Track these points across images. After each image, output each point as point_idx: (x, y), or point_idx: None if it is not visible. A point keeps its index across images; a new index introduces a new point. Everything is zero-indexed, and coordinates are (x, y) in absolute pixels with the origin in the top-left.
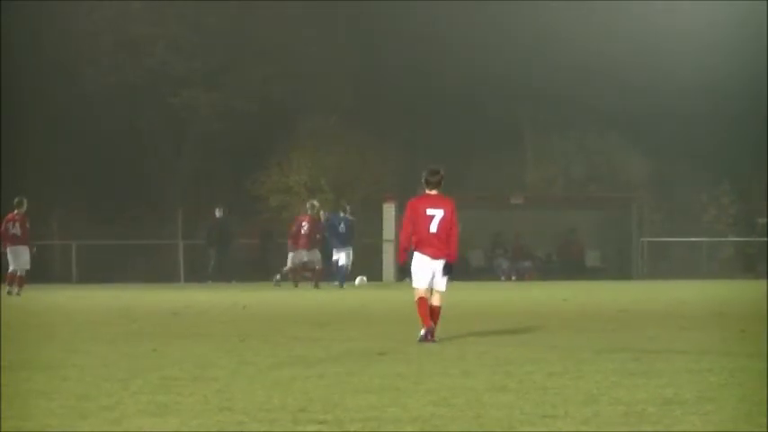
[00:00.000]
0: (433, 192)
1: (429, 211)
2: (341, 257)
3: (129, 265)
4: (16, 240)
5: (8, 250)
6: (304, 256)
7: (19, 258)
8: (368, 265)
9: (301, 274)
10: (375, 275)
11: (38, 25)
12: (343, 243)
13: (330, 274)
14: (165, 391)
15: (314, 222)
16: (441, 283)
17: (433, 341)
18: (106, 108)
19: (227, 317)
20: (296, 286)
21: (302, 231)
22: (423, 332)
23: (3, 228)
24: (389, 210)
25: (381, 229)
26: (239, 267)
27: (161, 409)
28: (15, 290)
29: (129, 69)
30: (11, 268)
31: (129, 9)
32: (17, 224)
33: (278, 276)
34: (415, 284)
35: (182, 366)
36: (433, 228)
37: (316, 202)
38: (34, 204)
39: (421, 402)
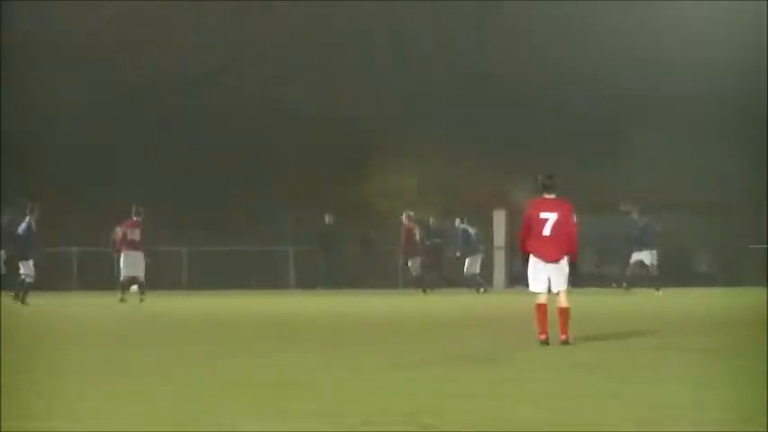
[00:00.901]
0: (550, 196)
1: (543, 215)
2: (468, 264)
3: (239, 271)
4: (134, 246)
5: (123, 255)
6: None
7: (136, 265)
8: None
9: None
10: (486, 282)
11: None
12: (464, 251)
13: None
14: (275, 398)
15: (410, 231)
16: (561, 283)
17: (567, 342)
18: (220, 116)
19: (337, 323)
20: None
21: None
22: (542, 337)
23: (120, 233)
24: (500, 217)
25: (492, 237)
26: (349, 273)
27: (272, 415)
28: (141, 296)
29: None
30: (125, 274)
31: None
32: (137, 230)
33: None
34: (531, 288)
35: (291, 373)
36: (547, 231)
37: (411, 212)
38: (146, 210)
39: (528, 408)
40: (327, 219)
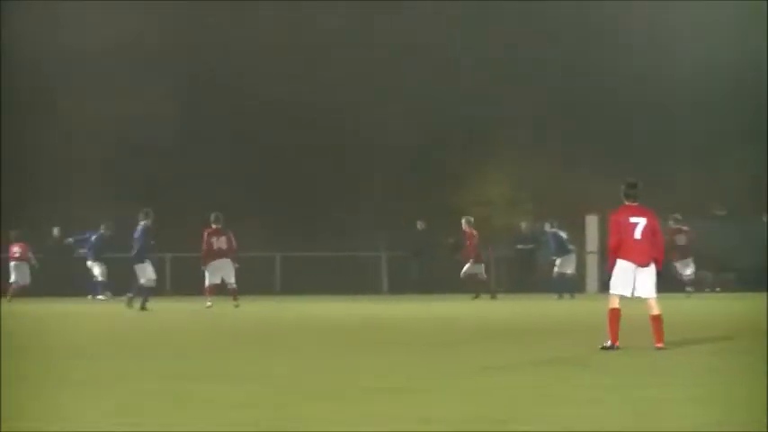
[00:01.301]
0: (634, 203)
1: (633, 219)
2: (559, 265)
3: (332, 276)
4: (222, 254)
5: (210, 265)
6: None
7: (224, 272)
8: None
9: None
10: (578, 287)
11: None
12: (557, 254)
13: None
14: (366, 402)
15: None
16: (650, 290)
17: (663, 348)
18: (310, 121)
19: (429, 328)
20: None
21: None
22: (607, 344)
23: (206, 243)
24: (592, 221)
25: (584, 241)
26: (440, 279)
27: (362, 419)
28: (235, 302)
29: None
30: (210, 282)
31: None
32: (222, 238)
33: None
34: (612, 290)
35: (383, 377)
36: (638, 235)
37: (471, 218)
38: (238, 216)
39: (622, 414)
40: (419, 225)
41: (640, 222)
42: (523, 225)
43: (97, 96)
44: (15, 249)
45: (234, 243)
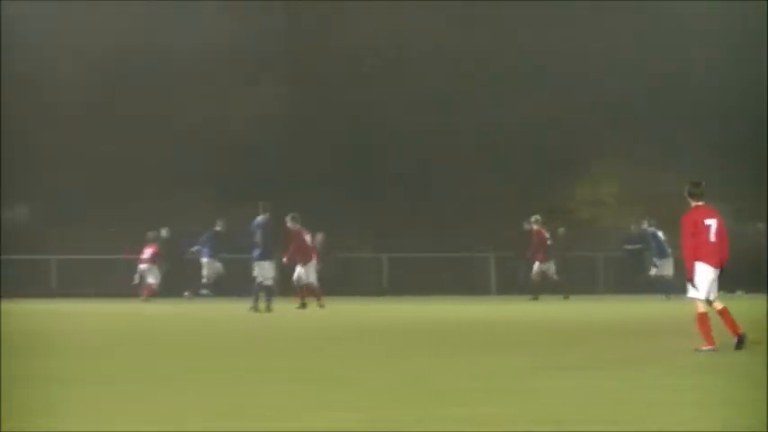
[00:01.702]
0: (701, 203)
1: (706, 221)
2: (659, 268)
3: (440, 277)
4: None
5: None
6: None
7: (307, 273)
8: (678, 275)
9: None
10: (679, 288)
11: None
12: (658, 255)
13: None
14: (480, 403)
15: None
16: (716, 289)
17: (744, 336)
18: (415, 121)
19: (538, 328)
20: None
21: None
22: (705, 348)
23: (293, 243)
24: None
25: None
26: (550, 279)
27: (476, 420)
28: (320, 302)
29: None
30: (298, 282)
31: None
32: (306, 237)
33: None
34: (699, 295)
35: (496, 378)
36: (712, 237)
37: (539, 216)
38: (345, 218)
39: (683, 416)
40: (525, 225)
41: (713, 224)
42: (633, 226)
43: (199, 97)
44: (148, 251)
45: (315, 243)
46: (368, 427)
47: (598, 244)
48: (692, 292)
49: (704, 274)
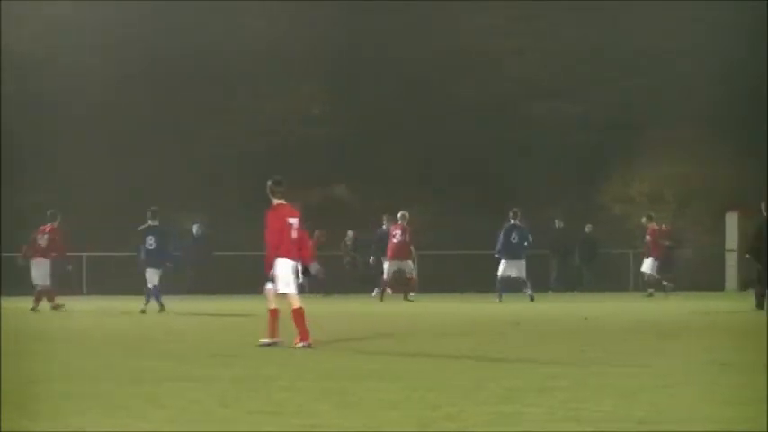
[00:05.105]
0: (283, 201)
1: (290, 220)
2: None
3: (468, 274)
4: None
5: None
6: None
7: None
8: (708, 274)
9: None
10: (717, 285)
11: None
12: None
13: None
14: (509, 402)
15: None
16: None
17: None
18: (465, 120)
19: (570, 327)
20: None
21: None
22: (267, 341)
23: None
24: (732, 219)
25: (724, 239)
26: (579, 277)
27: (505, 419)
28: (412, 294)
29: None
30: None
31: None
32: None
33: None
34: (291, 290)
35: (525, 377)
36: (294, 234)
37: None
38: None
39: (695, 413)
40: (557, 223)
41: (294, 222)
42: (662, 225)
43: (248, 94)
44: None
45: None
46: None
47: (629, 241)
48: (282, 288)
49: (286, 270)
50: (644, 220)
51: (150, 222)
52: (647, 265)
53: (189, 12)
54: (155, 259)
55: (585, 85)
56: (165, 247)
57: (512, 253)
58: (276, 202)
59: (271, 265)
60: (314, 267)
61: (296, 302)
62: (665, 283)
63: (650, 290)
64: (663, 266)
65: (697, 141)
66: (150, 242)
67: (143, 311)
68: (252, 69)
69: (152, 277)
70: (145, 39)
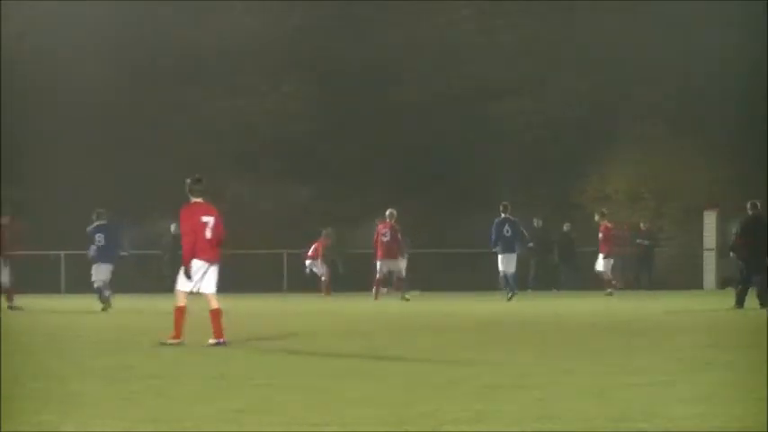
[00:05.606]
0: (200, 199)
1: (204, 218)
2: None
3: (456, 273)
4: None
5: (379, 261)
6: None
7: (396, 266)
8: (686, 273)
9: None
10: (696, 284)
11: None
12: None
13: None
14: (484, 400)
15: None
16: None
17: None
18: (425, 118)
19: (547, 326)
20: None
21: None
22: (172, 341)
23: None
24: (711, 218)
25: (702, 238)
26: (557, 276)
27: (481, 417)
28: (415, 292)
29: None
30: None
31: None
32: (387, 232)
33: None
34: (186, 288)
35: (501, 375)
36: (209, 234)
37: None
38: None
39: (747, 412)
40: (536, 222)
41: (210, 221)
42: (641, 224)
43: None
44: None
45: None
46: (380, 426)
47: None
48: (180, 285)
49: (197, 270)
50: (597, 217)
51: (98, 222)
52: (601, 264)
53: (167, 11)
54: (106, 254)
55: (561, 81)
56: (116, 242)
57: (507, 246)
58: (193, 200)
59: (188, 263)
60: (316, 266)
61: (214, 303)
62: (613, 282)
63: (609, 289)
64: (625, 265)
65: (673, 138)
66: (99, 239)
67: (104, 309)
68: (228, 69)
69: (104, 273)
70: (123, 37)
